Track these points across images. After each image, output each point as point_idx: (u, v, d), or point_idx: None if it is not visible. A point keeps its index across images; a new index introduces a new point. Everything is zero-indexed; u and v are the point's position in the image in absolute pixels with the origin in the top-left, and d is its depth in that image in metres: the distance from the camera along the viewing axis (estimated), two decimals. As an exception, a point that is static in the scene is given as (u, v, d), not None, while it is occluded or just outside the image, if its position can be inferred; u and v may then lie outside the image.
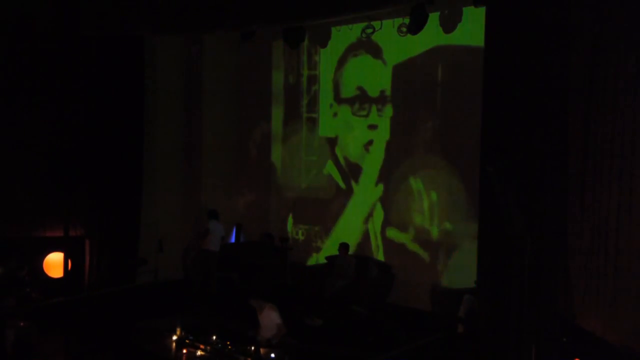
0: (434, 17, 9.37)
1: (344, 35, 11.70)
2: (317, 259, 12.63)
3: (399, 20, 10.10)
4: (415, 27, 9.19)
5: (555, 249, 6.81)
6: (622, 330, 6.16)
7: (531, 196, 6.84)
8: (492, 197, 7.11)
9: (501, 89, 7.33)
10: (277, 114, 13.50)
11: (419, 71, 11.16)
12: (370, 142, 11.99)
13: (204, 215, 12.02)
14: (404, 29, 9.80)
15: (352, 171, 12.33)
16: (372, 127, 11.94)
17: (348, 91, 12.34)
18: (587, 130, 6.64)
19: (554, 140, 6.83)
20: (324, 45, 11.37)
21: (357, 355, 8.56)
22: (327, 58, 12.59)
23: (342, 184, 12.43)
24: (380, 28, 10.28)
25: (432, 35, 10.21)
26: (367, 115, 11.99)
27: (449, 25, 9.39)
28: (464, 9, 9.23)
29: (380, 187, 11.84)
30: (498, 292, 7.24)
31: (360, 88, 12.13)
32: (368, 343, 9.10)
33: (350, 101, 12.30)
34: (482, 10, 8.04)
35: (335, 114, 12.57)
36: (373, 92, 11.90)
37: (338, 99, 12.52)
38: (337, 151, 12.48)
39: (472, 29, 9.50)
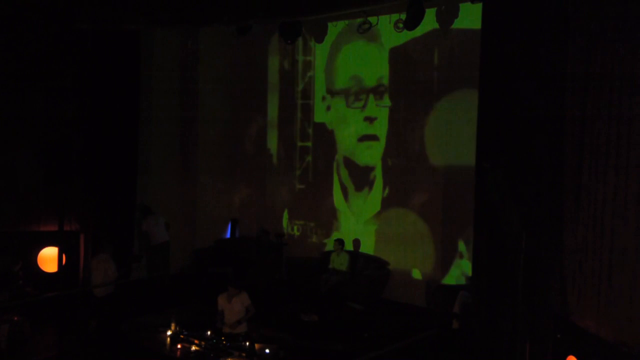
0: (430, 13, 9.36)
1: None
2: (313, 254, 12.61)
3: (395, 16, 10.07)
4: (412, 23, 9.17)
5: (550, 246, 6.80)
6: (616, 327, 6.16)
7: (526, 193, 6.84)
8: (487, 194, 7.13)
9: (497, 86, 7.31)
10: (273, 100, 13.46)
11: (416, 55, 11.08)
12: (366, 136, 11.95)
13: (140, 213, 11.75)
14: (401, 25, 9.77)
15: (348, 168, 12.33)
16: (369, 119, 11.90)
17: (342, 81, 12.21)
18: (584, 127, 6.62)
19: (551, 137, 6.82)
20: (320, 40, 11.32)
21: (353, 350, 8.56)
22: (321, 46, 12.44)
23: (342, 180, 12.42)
24: (377, 24, 10.27)
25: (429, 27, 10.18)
26: (363, 107, 11.94)
27: (445, 21, 9.37)
28: (461, 5, 9.21)
29: (378, 184, 11.83)
30: (493, 289, 7.25)
31: (355, 77, 12.02)
32: (363, 339, 9.12)
33: (345, 92, 12.24)
34: (479, 7, 8.03)
35: (328, 107, 12.53)
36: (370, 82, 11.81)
37: (331, 91, 12.46)
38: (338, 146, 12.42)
39: (468, 25, 9.48)
